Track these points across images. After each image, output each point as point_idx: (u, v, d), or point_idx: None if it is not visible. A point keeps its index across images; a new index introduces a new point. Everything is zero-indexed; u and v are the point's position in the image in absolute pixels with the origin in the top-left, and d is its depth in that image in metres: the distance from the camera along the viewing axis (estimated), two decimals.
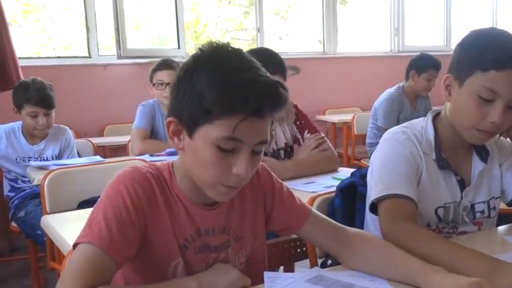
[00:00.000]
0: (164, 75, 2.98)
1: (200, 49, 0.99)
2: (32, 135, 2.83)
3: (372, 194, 1.29)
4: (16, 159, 2.81)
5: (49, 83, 2.80)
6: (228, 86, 0.90)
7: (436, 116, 1.39)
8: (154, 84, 3.03)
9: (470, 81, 1.24)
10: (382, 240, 1.16)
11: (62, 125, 2.97)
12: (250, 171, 0.96)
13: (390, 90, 3.79)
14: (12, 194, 2.86)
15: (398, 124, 1.46)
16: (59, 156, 2.88)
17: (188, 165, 1.01)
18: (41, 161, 2.80)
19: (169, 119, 1.00)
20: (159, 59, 3.16)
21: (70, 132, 2.98)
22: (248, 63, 0.96)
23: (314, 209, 1.21)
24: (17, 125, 2.85)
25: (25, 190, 2.83)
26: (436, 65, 3.65)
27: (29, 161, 2.77)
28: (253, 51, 2.17)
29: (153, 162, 1.09)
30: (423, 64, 3.67)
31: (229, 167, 0.95)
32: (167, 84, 2.90)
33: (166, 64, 3.05)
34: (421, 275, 1.01)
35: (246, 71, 0.93)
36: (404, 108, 3.73)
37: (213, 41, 0.99)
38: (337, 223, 1.19)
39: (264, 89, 0.91)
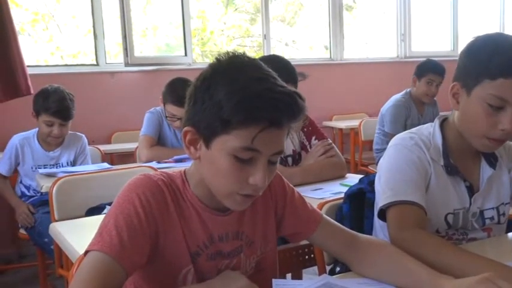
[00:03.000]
0: (178, 111, 2.84)
1: (217, 59, 0.99)
2: (47, 142, 2.86)
3: (380, 201, 1.29)
4: (32, 167, 2.84)
5: (70, 93, 2.82)
6: (247, 96, 0.91)
7: (444, 121, 1.39)
8: (166, 116, 2.95)
9: (478, 90, 1.23)
10: (392, 247, 1.15)
11: (78, 133, 3.01)
12: (267, 181, 0.97)
13: (397, 96, 3.78)
14: (21, 199, 2.88)
15: (405, 130, 1.46)
16: (73, 163, 2.92)
17: (204, 175, 1.01)
18: (57, 167, 2.83)
19: (185, 128, 1.00)
20: (175, 78, 2.99)
21: (85, 140, 3.01)
22: (265, 74, 0.96)
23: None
24: (32, 133, 2.88)
25: (34, 197, 2.85)
26: (434, 69, 3.62)
27: (44, 168, 2.80)
28: (265, 59, 2.16)
29: (164, 170, 1.09)
30: (422, 69, 3.67)
31: (246, 177, 0.95)
32: (179, 118, 2.83)
33: (181, 102, 2.84)
34: (432, 283, 1.01)
35: (264, 81, 0.94)
36: (412, 114, 3.72)
37: (230, 51, 1.00)
38: (347, 229, 1.20)
39: (282, 99, 0.92)
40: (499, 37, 1.27)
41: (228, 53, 1.00)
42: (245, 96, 0.91)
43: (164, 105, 2.97)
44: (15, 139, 2.87)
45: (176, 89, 2.87)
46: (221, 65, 0.98)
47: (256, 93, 0.91)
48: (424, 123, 1.44)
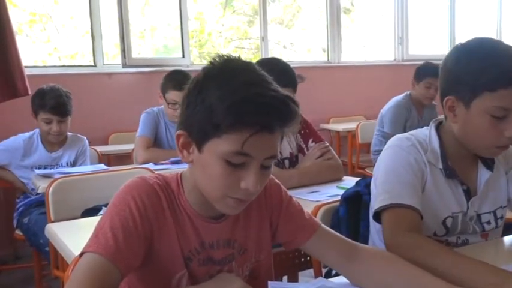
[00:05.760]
0: (180, 96, 2.86)
1: (211, 62, 0.98)
2: (49, 142, 2.88)
3: (376, 203, 1.28)
4: (32, 167, 2.84)
5: (67, 91, 2.86)
6: (238, 100, 0.89)
7: (439, 124, 1.38)
8: (168, 104, 2.96)
9: (478, 102, 1.22)
10: (400, 259, 1.08)
11: (79, 135, 3.03)
12: (259, 186, 0.95)
13: (398, 97, 3.82)
14: (18, 200, 2.89)
15: (404, 132, 1.45)
16: (73, 164, 2.93)
17: (197, 179, 1.00)
18: (56, 167, 2.84)
19: (178, 132, 0.99)
20: (173, 69, 3.08)
21: (86, 142, 3.04)
22: (258, 77, 0.95)
23: (319, 219, 1.20)
24: (35, 133, 2.91)
25: (31, 197, 2.85)
26: (433, 73, 3.63)
27: (44, 168, 2.81)
28: (264, 62, 2.16)
29: (161, 173, 1.08)
30: (421, 73, 3.71)
31: (238, 181, 0.94)
32: None
33: (181, 85, 2.82)
34: None
35: (256, 85, 0.92)
36: (411, 115, 3.75)
37: (224, 54, 0.99)
38: (347, 239, 1.15)
39: (274, 103, 0.91)
40: (485, 46, 1.25)
41: (222, 56, 0.99)
42: (236, 100, 0.89)
43: (164, 96, 2.98)
44: (19, 139, 2.88)
45: (175, 76, 2.96)
46: (214, 68, 0.97)
47: (247, 97, 0.90)
48: (423, 126, 1.42)
